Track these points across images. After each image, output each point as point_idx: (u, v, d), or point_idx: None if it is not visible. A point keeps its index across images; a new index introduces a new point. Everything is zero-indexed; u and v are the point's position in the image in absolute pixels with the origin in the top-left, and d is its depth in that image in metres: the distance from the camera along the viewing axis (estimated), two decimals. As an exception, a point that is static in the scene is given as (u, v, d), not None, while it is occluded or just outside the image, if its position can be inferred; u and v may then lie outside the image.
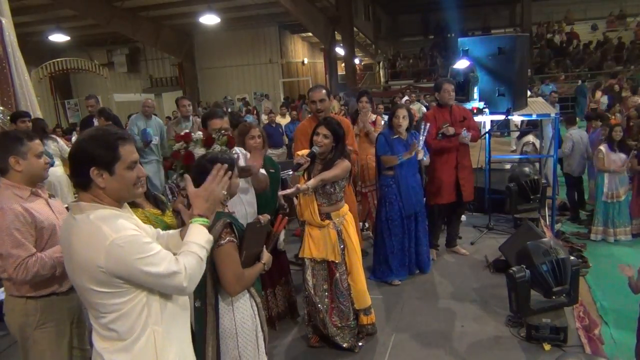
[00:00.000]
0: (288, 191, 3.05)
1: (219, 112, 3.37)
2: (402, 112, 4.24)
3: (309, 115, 4.26)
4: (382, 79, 21.63)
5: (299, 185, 3.05)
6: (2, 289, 4.18)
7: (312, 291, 3.28)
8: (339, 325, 3.33)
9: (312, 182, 3.07)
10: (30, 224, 2.28)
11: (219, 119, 3.25)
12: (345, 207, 3.36)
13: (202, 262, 1.68)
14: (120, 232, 1.53)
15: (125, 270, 1.53)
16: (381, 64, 21.82)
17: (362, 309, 3.40)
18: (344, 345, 3.33)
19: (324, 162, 3.20)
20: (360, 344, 3.41)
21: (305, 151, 3.24)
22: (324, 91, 4.00)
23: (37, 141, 2.43)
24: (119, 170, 1.60)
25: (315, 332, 3.43)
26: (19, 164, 2.32)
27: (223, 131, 3.06)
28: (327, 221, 3.24)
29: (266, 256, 2.28)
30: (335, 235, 3.25)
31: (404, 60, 21.56)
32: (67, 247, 1.60)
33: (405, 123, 4.23)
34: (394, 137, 4.27)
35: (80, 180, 1.59)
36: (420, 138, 4.22)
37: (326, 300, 3.30)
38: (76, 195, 1.67)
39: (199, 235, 1.69)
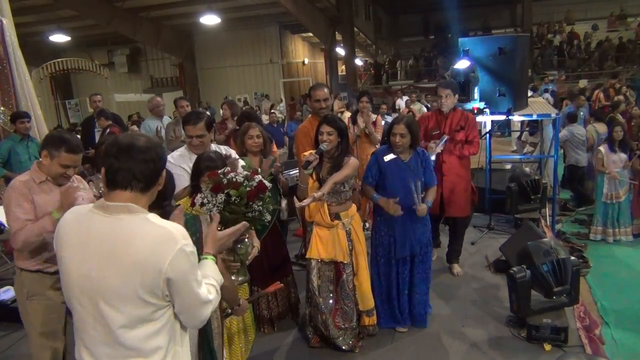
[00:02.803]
0: (305, 202, 2.98)
1: (194, 118, 3.15)
2: (399, 129, 3.34)
3: (310, 116, 4.23)
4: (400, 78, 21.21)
5: (314, 194, 2.97)
6: (4, 289, 4.24)
7: (317, 292, 3.25)
8: (342, 326, 3.32)
9: (326, 188, 3.03)
10: (29, 200, 2.58)
11: (192, 126, 3.11)
12: (354, 208, 3.33)
13: (219, 297, 1.68)
14: (187, 238, 1.51)
15: (179, 281, 1.48)
16: (399, 62, 21.49)
17: (366, 310, 3.40)
18: (344, 347, 3.32)
19: (331, 160, 3.18)
20: (360, 344, 3.41)
21: (308, 152, 3.22)
22: (326, 89, 3.98)
23: (74, 156, 2.62)
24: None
25: (316, 333, 3.42)
26: (45, 159, 2.60)
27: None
28: (337, 221, 3.21)
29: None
30: (345, 236, 3.23)
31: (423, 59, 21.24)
32: (102, 248, 1.47)
33: (404, 142, 3.36)
34: (391, 158, 3.43)
35: (150, 182, 1.56)
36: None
37: (330, 301, 3.28)
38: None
39: (215, 272, 1.71)
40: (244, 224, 1.86)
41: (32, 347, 2.73)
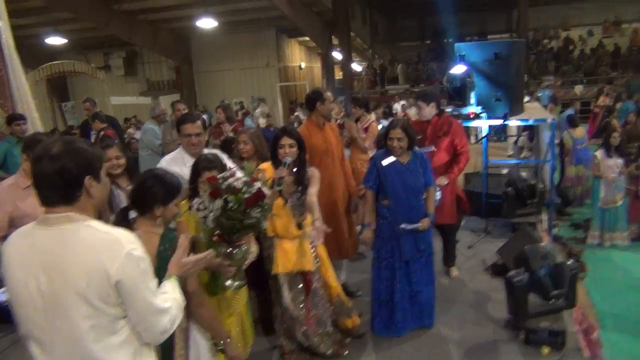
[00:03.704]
0: (318, 239, 3.05)
1: (191, 117, 3.21)
2: (396, 134, 3.38)
3: (306, 120, 4.27)
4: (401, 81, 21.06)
5: (321, 226, 3.06)
6: (3, 289, 4.20)
7: (292, 305, 3.19)
8: (319, 332, 3.28)
9: (318, 214, 3.11)
10: (5, 211, 2.63)
11: (191, 124, 3.14)
12: (309, 215, 3.35)
13: (181, 313, 1.62)
14: (134, 243, 1.46)
15: (129, 285, 1.42)
16: (400, 66, 21.43)
17: (346, 312, 3.38)
18: (328, 353, 3.27)
19: (292, 172, 3.15)
20: (345, 352, 3.35)
21: (267, 164, 3.20)
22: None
23: None
24: (102, 176, 1.55)
25: (293, 345, 3.31)
26: (25, 163, 2.69)
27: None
28: (301, 231, 3.21)
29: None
30: (308, 244, 3.22)
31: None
32: (48, 262, 1.42)
33: (402, 145, 3.40)
34: (389, 161, 3.45)
35: (68, 193, 1.46)
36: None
37: (303, 311, 3.24)
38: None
39: (175, 291, 1.65)
40: (209, 253, 1.85)
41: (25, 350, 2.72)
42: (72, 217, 1.45)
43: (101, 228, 1.46)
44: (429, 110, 4.29)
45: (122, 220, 1.98)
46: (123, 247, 1.42)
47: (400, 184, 3.43)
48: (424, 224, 3.44)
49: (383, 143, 3.58)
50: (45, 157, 1.42)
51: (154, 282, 1.53)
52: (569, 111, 9.24)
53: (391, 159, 3.46)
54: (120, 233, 1.47)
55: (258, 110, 15.60)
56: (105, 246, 1.42)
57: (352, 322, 3.44)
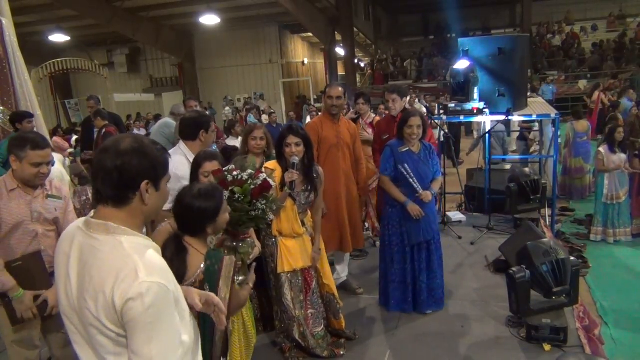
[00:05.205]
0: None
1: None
2: (416, 121, 3.58)
3: (320, 114, 4.29)
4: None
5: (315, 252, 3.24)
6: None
7: (292, 305, 3.18)
8: (315, 333, 3.27)
9: (318, 241, 3.26)
10: None
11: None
12: (308, 211, 3.37)
13: None
14: (153, 275, 1.31)
15: (127, 323, 1.29)
16: (408, 61, 21.30)
17: (334, 311, 3.39)
18: (325, 354, 3.25)
19: (301, 171, 3.14)
20: (341, 352, 3.33)
21: (273, 163, 3.19)
22: (340, 89, 4.10)
23: (40, 152, 2.57)
24: (163, 186, 1.44)
25: (292, 343, 3.30)
26: (15, 164, 2.56)
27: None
28: (303, 228, 3.22)
29: None
30: (309, 240, 3.25)
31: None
32: (78, 267, 1.39)
33: (420, 132, 3.62)
34: (404, 149, 3.67)
35: (121, 194, 1.37)
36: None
37: (302, 311, 3.23)
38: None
39: None
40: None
41: (9, 356, 2.72)
42: (109, 227, 1.37)
43: (129, 249, 1.34)
44: (401, 104, 4.52)
45: (179, 251, 1.93)
46: (137, 279, 1.28)
47: (413, 172, 3.61)
48: (426, 194, 3.60)
49: (398, 132, 3.73)
50: (111, 151, 1.36)
51: (157, 327, 1.32)
52: (625, 99, 9.14)
53: (406, 147, 3.66)
54: (144, 259, 1.33)
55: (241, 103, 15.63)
56: (120, 273, 1.30)
57: (338, 324, 3.43)
